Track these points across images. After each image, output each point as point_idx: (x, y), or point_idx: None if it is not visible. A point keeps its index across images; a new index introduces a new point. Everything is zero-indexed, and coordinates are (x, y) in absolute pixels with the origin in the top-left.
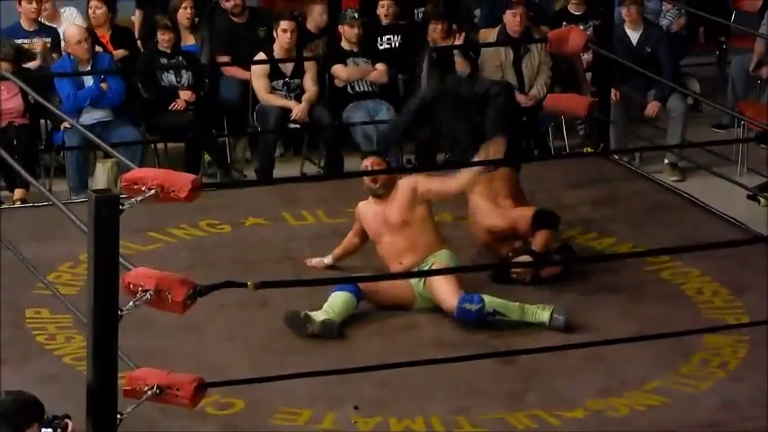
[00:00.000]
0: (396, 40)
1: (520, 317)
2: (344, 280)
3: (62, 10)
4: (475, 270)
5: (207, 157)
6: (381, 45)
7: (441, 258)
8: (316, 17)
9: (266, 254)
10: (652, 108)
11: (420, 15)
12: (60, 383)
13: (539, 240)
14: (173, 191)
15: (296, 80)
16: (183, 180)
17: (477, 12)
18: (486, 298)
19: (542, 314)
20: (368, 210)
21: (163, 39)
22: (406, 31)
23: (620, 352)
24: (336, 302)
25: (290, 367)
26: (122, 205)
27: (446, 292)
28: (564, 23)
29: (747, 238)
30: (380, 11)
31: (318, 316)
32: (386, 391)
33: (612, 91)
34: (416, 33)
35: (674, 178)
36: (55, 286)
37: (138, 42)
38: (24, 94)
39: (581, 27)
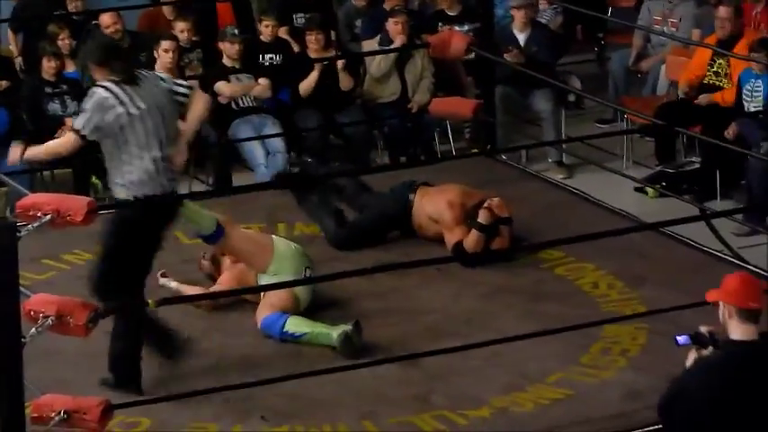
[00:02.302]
0: (277, 59)
1: (314, 340)
2: (245, 291)
3: None
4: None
5: (97, 182)
6: (264, 62)
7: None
8: (178, 33)
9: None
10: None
11: (299, 21)
12: None
13: (483, 214)
14: (69, 215)
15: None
16: (78, 204)
17: (358, 22)
18: (291, 322)
19: (332, 336)
20: None
21: (49, 66)
22: (286, 48)
23: (522, 349)
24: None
25: (196, 386)
26: (19, 232)
27: (261, 307)
28: (440, 25)
29: (635, 226)
30: (263, 30)
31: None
32: (292, 402)
33: None
34: (295, 45)
35: (561, 176)
36: None
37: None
38: None
39: (459, 29)
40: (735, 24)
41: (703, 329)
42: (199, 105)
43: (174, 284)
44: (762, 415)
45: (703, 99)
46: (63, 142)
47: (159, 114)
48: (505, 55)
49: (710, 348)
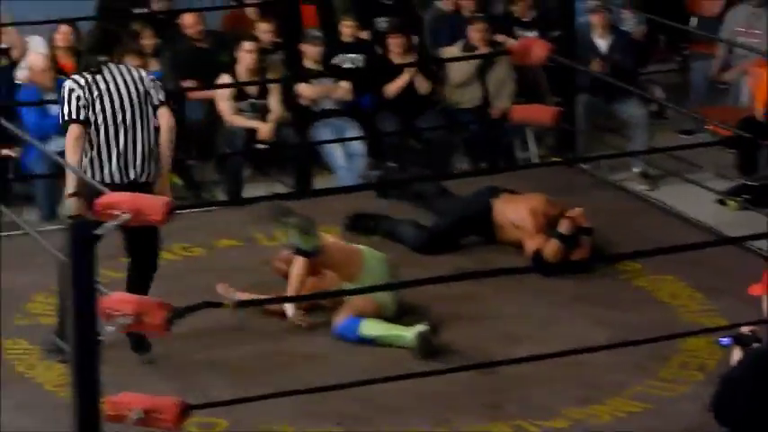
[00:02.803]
0: (359, 61)
1: (389, 341)
2: (319, 296)
3: (27, 39)
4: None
5: (177, 181)
6: (345, 62)
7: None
8: (261, 35)
9: (240, 275)
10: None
11: (381, 25)
12: (43, 410)
13: (565, 224)
14: (147, 214)
15: (261, 101)
16: (156, 203)
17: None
18: (365, 325)
19: (407, 337)
20: None
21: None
22: (367, 49)
23: (599, 359)
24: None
25: (271, 387)
26: (97, 230)
27: (341, 310)
28: (516, 30)
29: (716, 240)
30: (343, 30)
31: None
32: (367, 407)
33: None
34: (375, 49)
35: (644, 187)
36: (36, 317)
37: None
38: None
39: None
40: None
41: (745, 330)
42: (164, 130)
43: (236, 296)
44: None
45: None
46: (68, 141)
47: (124, 99)
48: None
49: (754, 346)
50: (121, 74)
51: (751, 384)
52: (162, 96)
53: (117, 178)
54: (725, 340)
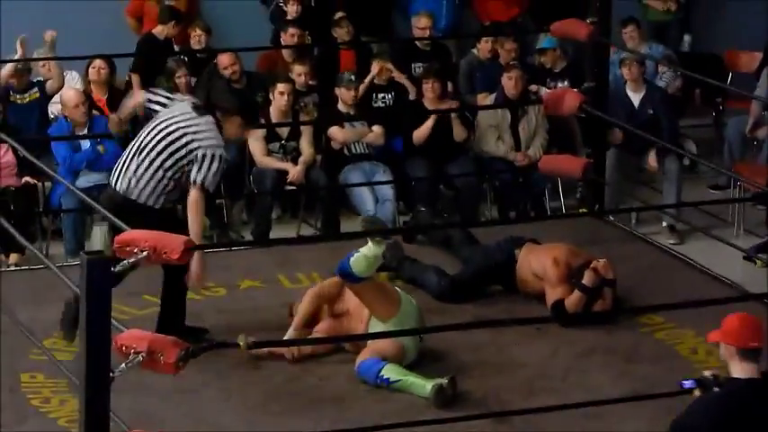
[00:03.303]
0: (390, 98)
1: (407, 389)
2: (336, 339)
3: (65, 74)
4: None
5: (205, 219)
6: (376, 103)
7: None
8: (296, 77)
9: (261, 317)
10: (652, 162)
11: (417, 70)
12: None
13: (588, 276)
14: (165, 252)
15: (292, 143)
16: (175, 241)
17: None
18: (388, 368)
19: (426, 387)
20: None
21: None
22: (399, 88)
23: (617, 412)
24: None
25: (287, 427)
26: (114, 267)
27: (364, 351)
28: (549, 81)
29: (739, 295)
30: (377, 72)
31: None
32: None
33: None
34: (409, 93)
35: (672, 241)
36: (51, 352)
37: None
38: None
39: (565, 84)
40: None
41: (707, 373)
42: (192, 221)
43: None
44: None
45: None
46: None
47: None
48: (648, 161)
49: (715, 390)
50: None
51: (700, 428)
52: (200, 178)
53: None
54: (687, 383)
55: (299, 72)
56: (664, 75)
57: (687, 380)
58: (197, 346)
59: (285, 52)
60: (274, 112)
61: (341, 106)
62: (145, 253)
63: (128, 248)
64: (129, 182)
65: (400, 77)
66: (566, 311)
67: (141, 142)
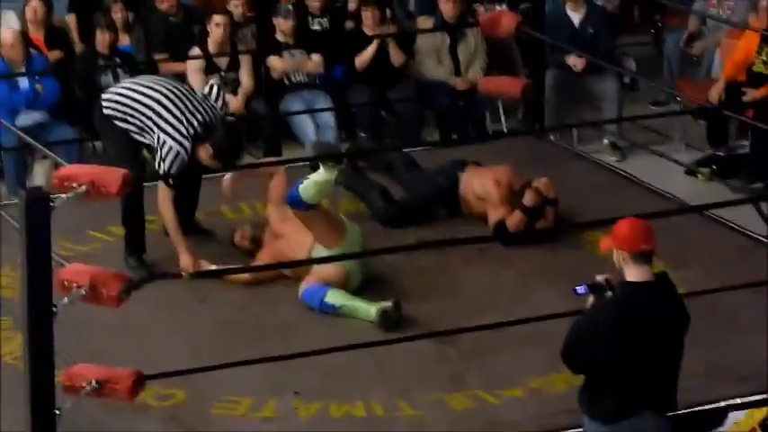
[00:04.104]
0: (326, 22)
1: (352, 313)
2: (282, 265)
3: (1, 13)
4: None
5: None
6: (313, 26)
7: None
8: (233, 8)
9: (204, 248)
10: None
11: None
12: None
13: (529, 196)
14: (103, 186)
15: (231, 74)
16: (113, 176)
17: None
18: (332, 294)
19: (371, 311)
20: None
21: (102, 39)
22: (334, 13)
23: (562, 329)
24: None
25: (231, 358)
26: (53, 203)
27: (308, 277)
28: (488, 3)
29: (679, 208)
30: (311, 3)
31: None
32: (326, 377)
33: None
34: (347, 20)
35: (615, 158)
36: None
37: (78, 47)
38: None
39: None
40: None
41: (600, 278)
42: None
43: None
44: (655, 347)
45: (748, 96)
46: None
47: None
48: (569, 60)
49: (609, 294)
50: None
51: (594, 335)
52: (161, 170)
53: None
54: (580, 289)
55: (235, 3)
56: None
57: (580, 286)
58: (139, 278)
59: None
60: (212, 44)
61: (279, 36)
62: (83, 188)
63: (66, 184)
64: None
65: None
66: (507, 231)
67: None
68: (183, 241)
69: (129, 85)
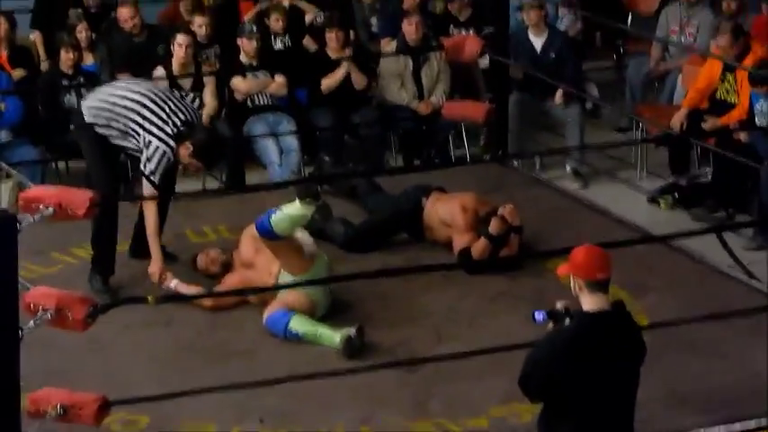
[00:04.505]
0: (287, 41)
1: (317, 340)
2: (249, 291)
3: None
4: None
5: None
6: (276, 45)
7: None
8: (196, 29)
9: (168, 270)
10: (558, 99)
11: (318, 20)
12: None
13: (495, 224)
14: (70, 208)
15: (195, 94)
16: (80, 197)
17: (374, 20)
18: (296, 320)
19: (335, 338)
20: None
21: (66, 58)
22: (296, 33)
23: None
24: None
25: (196, 383)
26: (20, 224)
27: (273, 304)
28: (452, 28)
29: (642, 237)
30: (272, 24)
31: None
32: (291, 403)
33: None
34: (313, 43)
35: (577, 185)
36: None
37: (44, 65)
38: None
39: (470, 33)
40: (738, 46)
41: (559, 305)
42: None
43: (173, 284)
44: (611, 376)
45: (710, 124)
46: None
47: None
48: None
49: (567, 321)
50: None
51: (549, 362)
52: (147, 170)
53: None
54: (539, 315)
55: (199, 23)
56: (564, 18)
57: (539, 312)
58: (105, 303)
59: (182, 6)
60: (175, 65)
61: (243, 57)
62: (50, 209)
63: (33, 205)
64: None
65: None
66: (472, 258)
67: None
68: (157, 247)
69: (109, 90)
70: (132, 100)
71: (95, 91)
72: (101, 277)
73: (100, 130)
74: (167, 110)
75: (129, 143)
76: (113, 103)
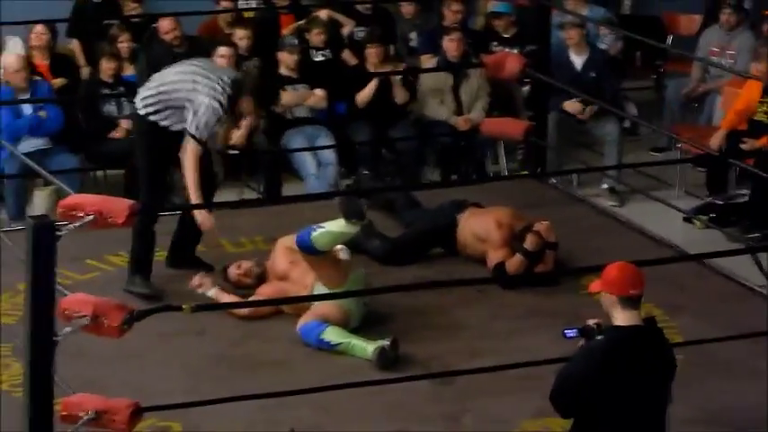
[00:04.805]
0: (328, 54)
1: (350, 351)
2: (284, 301)
3: (6, 39)
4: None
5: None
6: (316, 57)
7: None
8: (238, 41)
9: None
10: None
11: (359, 34)
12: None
13: (530, 239)
14: (110, 217)
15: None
16: (120, 206)
17: (413, 35)
18: (329, 331)
19: (368, 349)
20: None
21: (107, 67)
22: (335, 45)
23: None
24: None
25: (228, 392)
26: (59, 231)
27: (307, 314)
28: (495, 45)
29: (677, 256)
30: (313, 38)
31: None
32: (322, 414)
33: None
34: (353, 58)
35: (613, 203)
36: None
37: (82, 71)
38: None
39: (515, 51)
40: None
41: (591, 322)
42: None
43: (211, 292)
44: (641, 392)
45: (748, 145)
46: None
47: None
48: (567, 106)
49: (598, 339)
50: None
51: (582, 379)
52: (192, 128)
53: None
54: (570, 332)
55: (240, 36)
56: (605, 37)
57: (571, 330)
58: (141, 310)
59: (227, 17)
60: None
61: (283, 70)
62: (90, 217)
63: (72, 213)
64: None
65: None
66: (507, 274)
67: None
68: (201, 199)
69: (157, 77)
70: (181, 72)
71: (143, 86)
72: (141, 276)
73: (155, 118)
74: (214, 73)
75: (184, 121)
76: (163, 83)
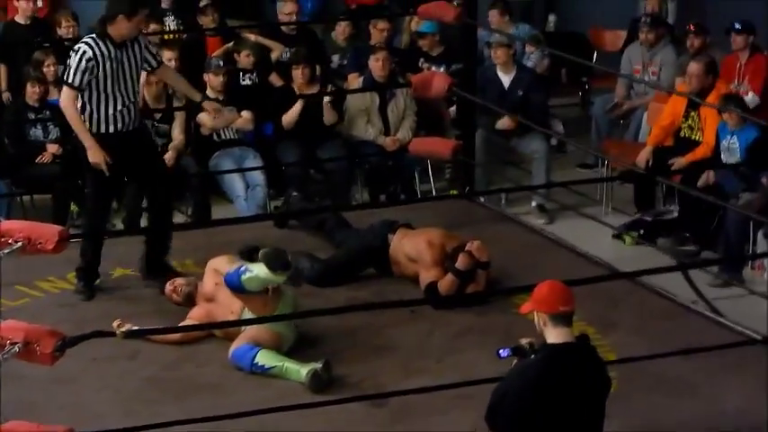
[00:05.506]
0: (255, 77)
1: (283, 374)
2: (214, 326)
3: None
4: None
5: (74, 208)
6: (243, 81)
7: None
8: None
9: (134, 305)
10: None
11: (284, 55)
12: None
13: (462, 259)
14: (40, 243)
15: (164, 125)
16: (49, 231)
17: (335, 57)
18: (262, 355)
19: (301, 372)
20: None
21: (33, 92)
22: (263, 70)
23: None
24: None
25: (164, 416)
26: None
27: (238, 338)
28: (422, 63)
29: (609, 274)
30: (242, 59)
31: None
32: None
33: None
34: (279, 79)
35: (542, 221)
36: None
37: (5, 96)
38: None
39: (441, 69)
40: (704, 80)
41: (523, 341)
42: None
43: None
44: (576, 408)
45: (676, 164)
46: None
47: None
48: (498, 123)
49: (531, 358)
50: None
51: (517, 397)
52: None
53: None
54: (503, 352)
55: (168, 58)
56: (531, 55)
57: (504, 349)
58: (73, 336)
59: (152, 40)
60: (148, 97)
61: (209, 92)
62: (19, 244)
63: (2, 239)
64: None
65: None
66: (439, 294)
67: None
68: (88, 137)
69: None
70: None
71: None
72: (84, 282)
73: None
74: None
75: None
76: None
